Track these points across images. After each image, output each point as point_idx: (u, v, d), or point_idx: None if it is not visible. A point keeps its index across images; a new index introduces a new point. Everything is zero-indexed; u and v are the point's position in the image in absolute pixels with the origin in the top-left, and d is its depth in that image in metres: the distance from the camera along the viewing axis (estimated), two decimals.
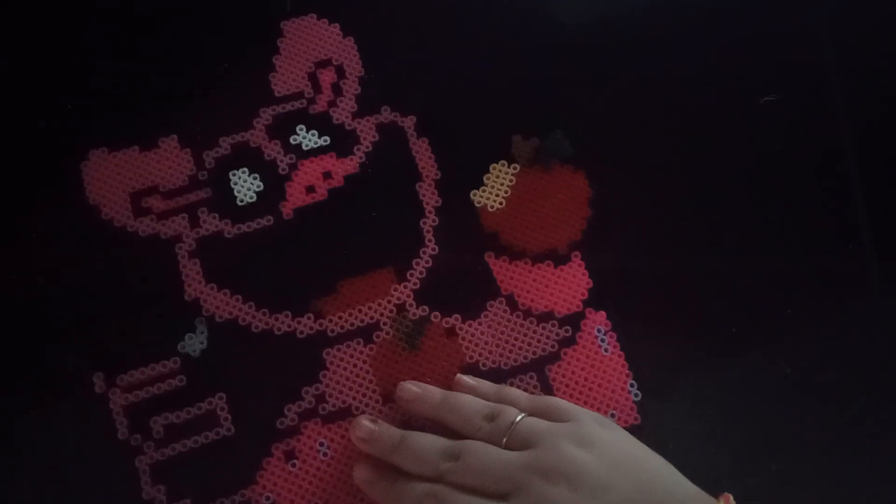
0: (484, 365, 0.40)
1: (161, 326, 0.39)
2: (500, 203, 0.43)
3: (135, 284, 0.40)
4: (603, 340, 0.40)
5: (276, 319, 0.40)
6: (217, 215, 0.42)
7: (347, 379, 0.39)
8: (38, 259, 0.40)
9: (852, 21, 0.48)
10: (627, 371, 0.40)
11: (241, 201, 0.42)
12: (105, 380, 0.38)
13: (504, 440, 0.34)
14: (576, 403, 0.38)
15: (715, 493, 0.32)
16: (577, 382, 0.40)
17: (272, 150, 0.43)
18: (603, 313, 0.41)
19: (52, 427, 0.38)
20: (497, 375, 0.39)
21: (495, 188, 0.43)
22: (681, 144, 0.45)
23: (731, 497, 0.32)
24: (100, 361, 0.38)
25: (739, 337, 0.41)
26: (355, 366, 0.39)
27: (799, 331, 0.41)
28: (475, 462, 0.33)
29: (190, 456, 0.37)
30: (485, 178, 0.43)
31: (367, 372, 0.39)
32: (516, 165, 0.44)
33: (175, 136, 0.43)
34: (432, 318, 0.40)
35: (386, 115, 0.45)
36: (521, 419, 0.34)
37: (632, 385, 0.40)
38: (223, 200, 0.42)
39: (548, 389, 0.39)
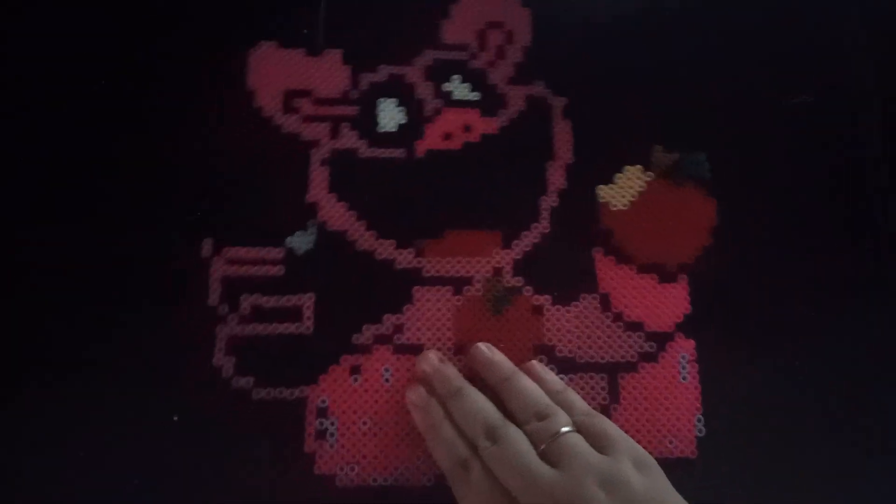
0: (560, 351, 0.40)
1: (277, 216, 0.41)
2: (624, 205, 0.43)
3: (266, 172, 0.42)
4: (684, 368, 0.40)
5: (381, 245, 0.41)
6: (357, 134, 0.44)
7: (428, 319, 0.40)
8: (180, 125, 0.43)
9: None
10: (699, 405, 0.39)
11: (382, 128, 0.44)
12: (213, 246, 0.40)
13: (542, 447, 0.34)
14: (639, 420, 0.38)
15: None
16: (645, 399, 0.39)
17: (424, 91, 0.45)
18: (693, 342, 0.40)
19: (151, 278, 0.40)
20: (569, 366, 0.40)
21: (624, 189, 0.43)
22: (824, 195, 0.43)
23: None
24: (213, 230, 0.41)
25: (827, 399, 0.39)
26: (438, 310, 0.40)
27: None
28: (506, 458, 0.33)
29: (266, 341, 0.39)
30: (616, 177, 0.43)
31: (448, 319, 0.40)
32: (651, 174, 0.43)
33: (341, 52, 0.45)
34: (524, 291, 0.41)
35: (539, 89, 0.45)
36: (565, 433, 0.34)
37: (699, 420, 0.39)
38: (365, 122, 0.44)
39: (615, 397, 0.39)
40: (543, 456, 0.33)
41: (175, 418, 0.38)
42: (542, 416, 0.35)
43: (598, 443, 0.34)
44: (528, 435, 0.34)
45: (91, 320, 0.39)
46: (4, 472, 0.37)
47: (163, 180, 0.42)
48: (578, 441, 0.34)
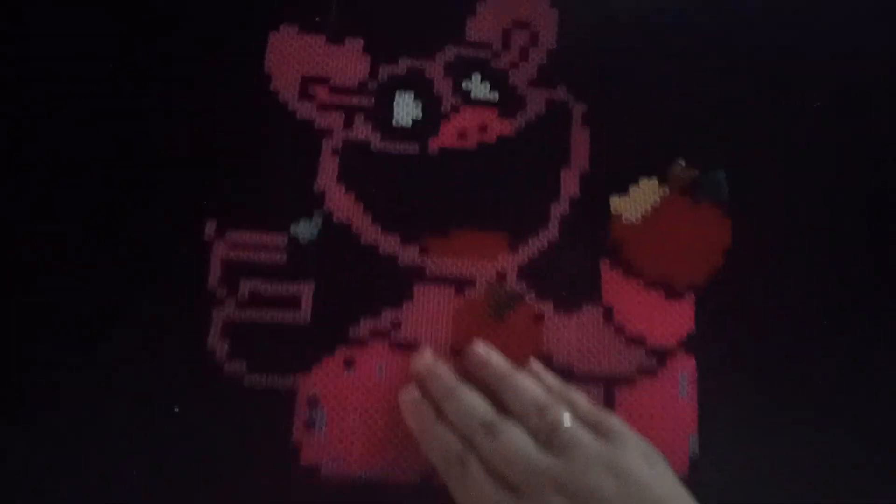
0: (557, 360, 0.39)
1: (283, 202, 0.41)
2: (636, 218, 0.42)
3: (275, 157, 0.42)
4: (683, 385, 0.39)
5: (385, 239, 0.41)
6: (370, 126, 0.43)
7: (427, 318, 0.40)
8: (200, 106, 0.42)
9: None
10: (695, 423, 0.38)
11: (397, 123, 0.43)
12: (216, 229, 0.40)
13: (544, 439, 0.33)
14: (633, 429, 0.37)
15: None
16: (640, 414, 0.38)
17: (443, 87, 0.44)
18: (693, 360, 0.39)
19: (152, 260, 0.39)
20: (566, 375, 0.39)
21: (637, 202, 0.42)
22: (846, 225, 0.42)
23: None
24: (216, 212, 0.40)
25: (824, 429, 0.38)
26: (438, 310, 0.40)
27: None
28: (506, 450, 0.33)
29: (262, 327, 0.39)
30: (630, 189, 0.43)
31: (447, 320, 0.39)
32: (666, 188, 0.42)
33: (362, 41, 0.44)
34: (526, 298, 0.40)
35: (560, 93, 0.44)
36: (567, 427, 0.33)
37: (693, 438, 0.38)
38: (381, 115, 0.43)
39: (608, 407, 0.38)
40: (545, 448, 0.33)
41: (176, 409, 0.37)
42: (542, 410, 0.34)
43: (604, 435, 0.33)
44: (528, 428, 0.34)
45: (91, 304, 0.39)
46: (3, 470, 0.36)
47: (168, 161, 0.41)
48: (582, 432, 0.33)
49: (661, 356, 0.39)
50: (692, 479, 0.37)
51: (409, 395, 0.37)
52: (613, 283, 0.41)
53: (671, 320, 0.40)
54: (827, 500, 0.37)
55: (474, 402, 0.35)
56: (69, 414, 0.37)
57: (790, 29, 0.46)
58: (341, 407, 0.38)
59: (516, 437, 0.33)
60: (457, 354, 0.39)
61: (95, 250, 0.39)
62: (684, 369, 0.39)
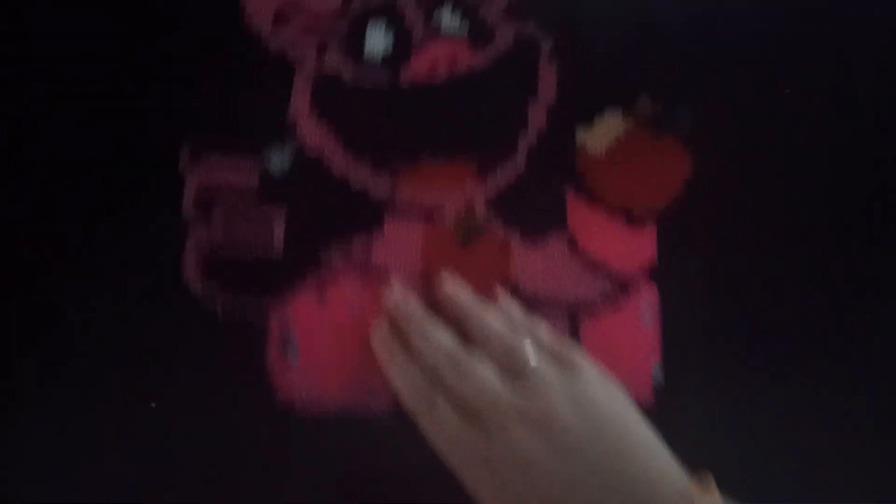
0: (524, 288, 0.41)
1: (255, 130, 0.41)
2: (600, 149, 0.43)
3: (249, 88, 0.42)
4: (645, 314, 0.41)
5: (356, 168, 0.42)
6: (343, 57, 0.43)
7: (397, 247, 0.41)
8: (178, 38, 0.42)
9: None
10: (657, 352, 0.40)
11: (368, 54, 0.44)
12: (191, 155, 0.41)
13: (510, 376, 0.35)
14: (595, 362, 0.39)
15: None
16: (604, 341, 0.40)
17: (414, 18, 0.44)
18: (655, 289, 0.41)
19: (127, 190, 0.40)
20: (532, 303, 0.40)
21: (602, 134, 0.43)
22: (800, 162, 0.44)
23: (713, 481, 0.31)
24: (191, 140, 0.41)
25: (784, 356, 0.40)
26: (408, 239, 0.41)
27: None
28: (473, 387, 0.34)
29: (234, 253, 0.40)
30: (596, 121, 0.43)
31: (416, 248, 0.41)
32: (631, 121, 0.43)
33: None
34: (493, 226, 0.41)
35: (530, 27, 0.45)
36: (533, 361, 0.35)
37: (656, 366, 0.40)
38: (353, 45, 0.44)
39: (574, 337, 0.40)
40: (510, 383, 0.34)
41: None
42: (508, 347, 0.35)
43: (566, 368, 0.35)
44: (494, 362, 0.35)
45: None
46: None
47: (146, 89, 0.42)
48: (547, 369, 0.35)
49: (624, 285, 0.41)
50: (657, 406, 0.39)
51: (379, 329, 0.38)
52: (578, 211, 0.42)
53: (633, 248, 0.41)
54: (788, 425, 0.39)
55: (441, 338, 0.36)
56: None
57: None
58: (314, 338, 0.39)
59: (483, 374, 0.35)
60: (426, 281, 0.40)
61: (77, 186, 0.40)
62: (647, 299, 0.41)
